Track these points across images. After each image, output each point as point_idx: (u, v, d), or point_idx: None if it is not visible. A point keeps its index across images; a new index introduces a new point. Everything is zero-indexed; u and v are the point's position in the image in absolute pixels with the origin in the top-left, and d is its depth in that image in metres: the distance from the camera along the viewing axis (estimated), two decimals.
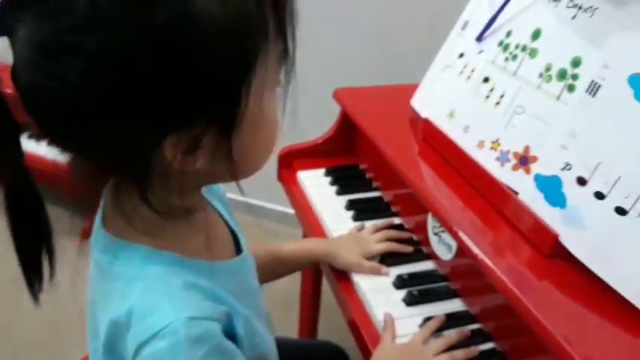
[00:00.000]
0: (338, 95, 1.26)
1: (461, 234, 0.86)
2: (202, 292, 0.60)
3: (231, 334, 0.62)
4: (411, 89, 1.23)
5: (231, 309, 0.62)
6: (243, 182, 0.60)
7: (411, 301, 0.92)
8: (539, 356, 0.78)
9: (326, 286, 1.51)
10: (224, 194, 0.80)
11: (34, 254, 0.60)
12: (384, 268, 0.98)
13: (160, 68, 0.47)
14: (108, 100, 0.48)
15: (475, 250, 0.83)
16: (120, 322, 0.57)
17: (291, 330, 1.65)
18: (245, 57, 0.51)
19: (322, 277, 1.47)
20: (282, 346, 0.83)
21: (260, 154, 0.61)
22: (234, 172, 0.56)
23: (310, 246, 1.04)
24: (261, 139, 0.59)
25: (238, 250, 0.75)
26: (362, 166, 1.29)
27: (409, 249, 1.03)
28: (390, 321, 0.87)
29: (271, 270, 0.99)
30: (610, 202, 0.72)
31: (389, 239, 1.03)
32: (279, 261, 1.01)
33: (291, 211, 2.14)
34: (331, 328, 1.69)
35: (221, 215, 0.76)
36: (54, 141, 0.54)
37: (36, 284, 0.61)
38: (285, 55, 0.56)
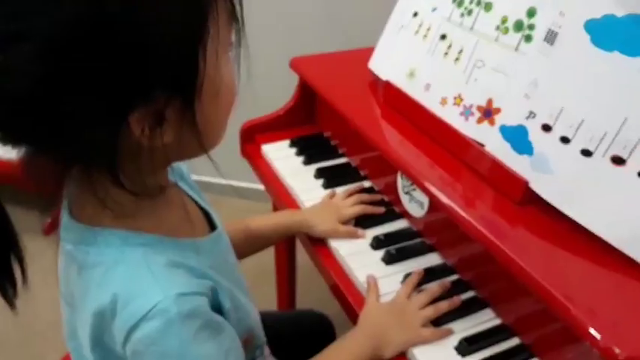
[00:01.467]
0: (295, 64, 1.25)
1: (432, 189, 0.88)
2: (185, 269, 0.60)
3: (218, 309, 0.62)
4: (367, 53, 1.24)
5: (215, 284, 0.63)
6: (206, 162, 0.60)
7: (389, 259, 0.95)
8: (518, 299, 0.82)
9: (299, 256, 1.53)
10: (188, 174, 0.79)
11: (3, 261, 0.57)
12: (360, 231, 1.00)
13: (112, 41, 0.46)
14: (65, 84, 0.46)
15: (448, 202, 0.85)
16: (104, 312, 0.56)
17: (268, 303, 1.66)
18: (196, 16, 0.50)
19: (296, 247, 1.48)
20: (267, 319, 0.84)
21: (223, 118, 0.61)
22: (201, 142, 0.56)
23: (284, 218, 1.04)
24: (221, 103, 0.58)
25: (212, 227, 0.74)
26: (326, 134, 1.29)
27: (381, 209, 1.05)
28: (372, 282, 0.89)
29: (247, 246, 0.99)
30: (575, 146, 0.76)
31: (361, 202, 1.05)
32: (254, 236, 1.01)
33: (256, 186, 2.16)
34: (309, 298, 1.71)
35: (188, 195, 0.75)
36: (9, 139, 0.52)
37: (9, 290, 0.59)
38: (234, 14, 0.55)
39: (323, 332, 1.16)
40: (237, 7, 0.55)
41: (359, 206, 1.03)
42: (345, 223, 1.02)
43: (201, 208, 0.76)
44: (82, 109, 0.48)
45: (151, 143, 0.53)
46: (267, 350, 0.83)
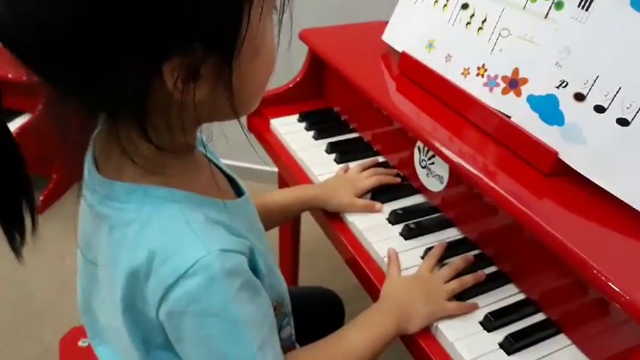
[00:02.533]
0: (305, 36, 1.22)
1: (456, 159, 0.86)
2: (223, 227, 0.57)
3: (254, 270, 0.59)
4: (377, 26, 1.21)
5: (252, 244, 0.60)
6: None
7: (408, 234, 0.92)
8: (543, 273, 0.80)
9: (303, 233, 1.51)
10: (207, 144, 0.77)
11: (15, 207, 0.55)
12: (378, 205, 0.98)
13: None
14: (100, 22, 0.44)
15: (473, 172, 0.83)
16: (138, 271, 0.53)
17: None
18: None
19: (300, 223, 1.46)
20: None
21: (258, 84, 0.58)
22: (234, 104, 0.53)
23: (300, 193, 1.01)
24: (259, 67, 0.56)
25: (237, 194, 0.71)
26: (335, 109, 1.26)
27: (398, 180, 1.03)
28: (394, 255, 0.86)
29: (269, 217, 0.96)
30: (611, 115, 0.73)
31: (381, 183, 1.02)
32: (269, 212, 0.98)
33: (258, 167, 2.12)
34: (310, 275, 1.70)
35: (211, 161, 0.72)
36: (46, 77, 0.49)
37: (17, 239, 0.56)
38: None
39: (333, 309, 1.14)
40: None
41: (375, 177, 1.01)
42: (360, 197, 0.99)
43: (226, 175, 0.73)
44: (116, 50, 0.46)
45: (182, 97, 0.50)
46: (293, 327, 0.80)
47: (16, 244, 0.56)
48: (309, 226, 1.40)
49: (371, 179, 1.00)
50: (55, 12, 0.43)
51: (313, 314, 1.09)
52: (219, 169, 0.73)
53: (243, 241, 0.58)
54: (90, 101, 0.52)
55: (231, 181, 0.73)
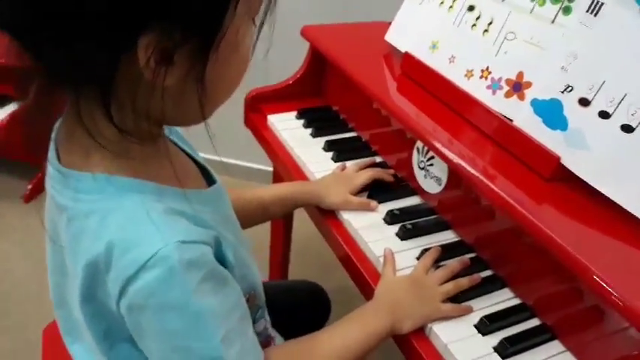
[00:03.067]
0: (307, 32, 1.21)
1: (456, 159, 0.85)
2: (187, 217, 0.56)
3: (221, 261, 0.58)
4: (380, 26, 1.20)
5: (219, 235, 0.58)
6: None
7: (405, 235, 0.91)
8: (539, 278, 0.79)
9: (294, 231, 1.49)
10: (182, 133, 0.75)
11: None
12: (373, 203, 0.97)
13: None
14: None
15: (473, 173, 0.82)
16: (98, 263, 0.52)
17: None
18: None
19: (292, 219, 1.44)
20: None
21: (230, 83, 0.57)
22: (201, 100, 0.52)
23: (294, 189, 1.00)
24: (234, 65, 0.55)
25: (209, 183, 0.70)
26: (334, 108, 1.25)
27: (391, 178, 1.03)
28: (390, 255, 0.85)
29: (253, 216, 0.95)
30: (615, 121, 0.73)
31: (375, 177, 1.01)
32: (263, 206, 0.97)
33: (248, 164, 2.11)
34: (300, 273, 1.68)
35: (181, 149, 0.71)
36: (17, 35, 0.47)
37: None
38: None
39: (318, 302, 1.13)
40: None
41: (369, 172, 1.00)
42: (356, 194, 0.98)
43: (197, 164, 0.71)
44: (94, 12, 0.44)
45: (152, 79, 0.49)
46: (268, 320, 0.79)
47: None
48: (301, 223, 1.39)
49: (365, 174, 0.99)
50: None
51: (298, 307, 1.08)
52: (191, 157, 0.71)
53: (208, 231, 0.56)
54: (57, 66, 0.49)
55: (203, 170, 0.71)
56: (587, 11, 0.78)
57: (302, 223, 1.27)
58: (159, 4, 0.46)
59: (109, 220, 0.52)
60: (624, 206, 0.72)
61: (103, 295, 0.54)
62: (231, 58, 0.54)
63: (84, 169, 0.54)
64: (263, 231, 1.45)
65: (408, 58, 1.06)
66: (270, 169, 1.43)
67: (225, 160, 2.06)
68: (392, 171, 1.05)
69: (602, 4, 0.76)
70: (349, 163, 1.07)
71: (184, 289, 0.51)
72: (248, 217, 0.94)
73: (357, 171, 1.03)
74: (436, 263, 0.85)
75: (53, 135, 0.59)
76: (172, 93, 0.52)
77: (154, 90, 0.50)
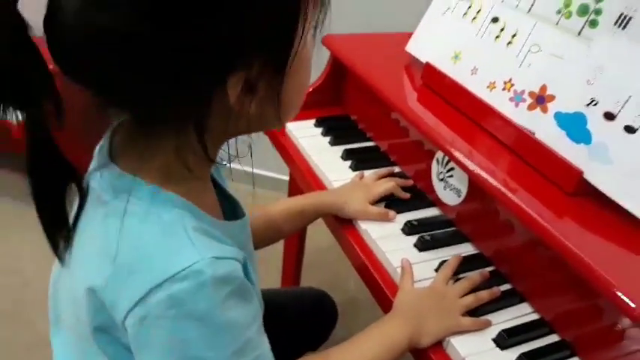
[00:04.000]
0: (328, 41, 1.21)
1: (478, 170, 0.84)
2: (218, 240, 0.56)
3: (247, 277, 0.58)
4: (402, 37, 1.20)
5: (247, 257, 0.59)
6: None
7: (423, 246, 0.90)
8: (559, 293, 0.78)
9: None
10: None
11: (58, 208, 0.55)
12: (392, 213, 0.96)
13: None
14: (175, 33, 0.46)
15: (495, 184, 0.81)
16: (123, 266, 0.52)
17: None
18: None
19: (306, 230, 1.44)
20: (267, 295, 0.78)
21: (300, 94, 0.61)
22: (280, 115, 0.56)
23: (313, 200, 0.99)
24: (301, 79, 0.59)
25: (233, 215, 0.69)
26: (352, 117, 1.25)
27: (408, 195, 1.01)
28: (408, 266, 0.84)
29: (272, 232, 0.96)
30: None
31: (395, 188, 1.00)
32: (279, 220, 0.96)
33: (263, 172, 2.11)
34: (312, 281, 1.67)
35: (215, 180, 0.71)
36: (107, 96, 0.51)
37: (61, 244, 0.56)
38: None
39: (324, 310, 1.12)
40: None
41: (389, 183, 0.99)
42: (375, 203, 0.97)
43: (224, 194, 0.72)
44: (186, 63, 0.48)
45: (240, 110, 0.53)
46: None
47: (59, 249, 0.56)
48: (314, 234, 1.39)
49: (385, 185, 0.99)
50: (126, 25, 0.46)
51: (305, 314, 1.07)
52: (221, 190, 0.71)
53: (238, 250, 0.58)
54: (148, 115, 0.53)
55: (232, 202, 0.72)
56: (615, 24, 0.77)
57: (315, 233, 1.27)
58: (241, 48, 0.49)
59: (146, 225, 0.53)
60: None
61: (111, 296, 0.53)
62: (300, 70, 0.57)
63: (137, 174, 0.55)
64: (276, 244, 1.46)
65: (429, 68, 1.06)
66: (287, 177, 1.43)
67: (243, 168, 2.07)
68: (411, 181, 1.04)
69: (631, 17, 0.75)
70: (367, 172, 1.06)
71: (210, 302, 0.51)
72: (268, 236, 0.95)
73: (376, 180, 1.02)
74: (455, 275, 0.85)
75: (107, 135, 0.60)
76: (256, 112, 0.54)
77: (241, 116, 0.54)
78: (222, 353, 0.53)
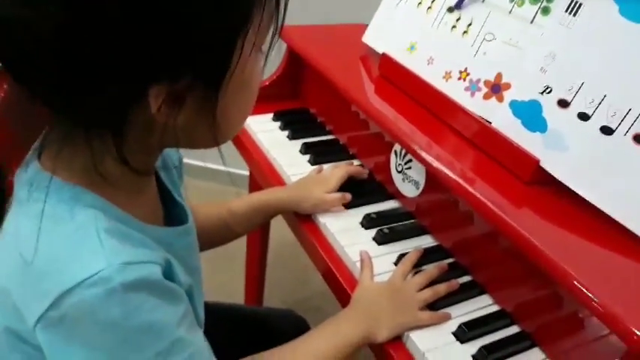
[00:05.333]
0: (284, 33, 1.17)
1: (434, 162, 0.83)
2: (135, 243, 0.54)
3: (171, 280, 0.55)
4: (359, 28, 1.18)
5: (170, 259, 0.56)
6: None
7: (382, 239, 0.89)
8: (519, 284, 0.78)
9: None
10: (180, 161, 0.74)
11: None
12: (347, 195, 0.94)
13: (151, 7, 0.44)
14: (88, 39, 0.44)
15: (451, 176, 0.80)
16: (32, 268, 0.49)
17: (232, 290, 1.60)
18: (243, 6, 0.48)
19: (269, 232, 1.42)
20: (240, 315, 0.76)
21: (240, 117, 0.59)
22: (215, 134, 0.53)
23: (270, 197, 0.96)
24: (243, 101, 0.57)
25: (174, 221, 0.67)
26: (312, 110, 1.23)
27: (365, 174, 1.01)
28: (367, 258, 0.83)
29: (228, 230, 0.93)
30: (595, 123, 0.72)
31: (349, 174, 0.99)
32: (237, 219, 0.93)
33: (224, 168, 2.08)
34: (278, 275, 1.66)
35: (161, 183, 0.69)
36: (23, 82, 0.49)
37: None
38: (276, 14, 0.53)
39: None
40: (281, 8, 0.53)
41: (342, 169, 0.98)
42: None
43: (172, 200, 0.69)
44: (102, 68, 0.46)
45: (164, 122, 0.50)
46: None
47: None
48: (278, 227, 1.37)
49: (339, 171, 0.97)
50: (43, 18, 0.43)
51: (274, 340, 1.04)
52: (167, 191, 0.69)
53: (158, 252, 0.55)
54: (66, 114, 0.51)
55: (180, 208, 0.69)
56: (566, 11, 0.76)
57: (281, 227, 1.25)
58: (166, 61, 0.47)
59: (59, 228, 0.51)
60: (602, 208, 0.70)
61: (23, 299, 0.51)
62: (242, 91, 0.54)
63: (58, 173, 0.53)
64: (238, 241, 1.43)
65: (385, 59, 1.04)
66: (247, 173, 1.41)
67: (202, 164, 2.03)
68: (366, 172, 1.03)
69: (581, 4, 0.75)
70: (326, 166, 1.04)
71: (124, 308, 0.49)
72: (222, 233, 0.93)
73: (333, 169, 1.00)
74: (415, 267, 0.83)
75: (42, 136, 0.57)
76: (185, 128, 0.52)
77: (167, 129, 0.51)
78: (144, 355, 0.51)
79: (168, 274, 0.55)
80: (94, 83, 0.46)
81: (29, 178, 0.54)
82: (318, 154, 1.08)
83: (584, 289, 0.62)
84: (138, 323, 0.50)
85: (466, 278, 0.84)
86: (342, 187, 0.96)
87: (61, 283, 0.47)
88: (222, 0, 0.47)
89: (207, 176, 2.02)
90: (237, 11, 0.48)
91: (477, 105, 0.86)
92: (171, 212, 0.67)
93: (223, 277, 1.68)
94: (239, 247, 1.39)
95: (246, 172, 1.42)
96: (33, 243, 0.49)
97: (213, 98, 0.50)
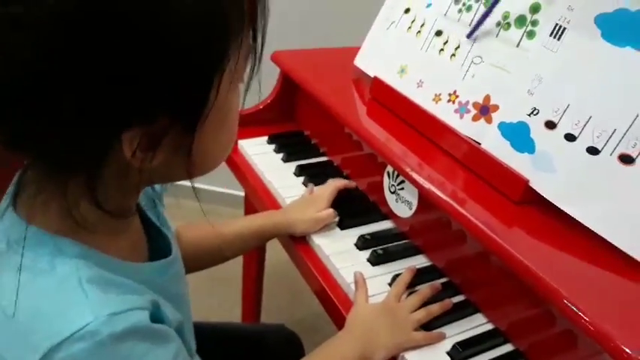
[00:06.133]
0: (277, 57, 1.21)
1: (425, 184, 0.84)
2: (121, 289, 0.52)
3: (160, 322, 0.55)
4: (351, 52, 1.20)
5: (157, 299, 0.56)
6: None
7: (376, 260, 0.90)
8: (512, 303, 0.79)
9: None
10: (160, 191, 0.73)
11: None
12: (331, 210, 0.96)
13: (121, 46, 0.42)
14: (57, 82, 0.42)
15: (442, 197, 0.81)
16: (18, 324, 0.48)
17: (228, 309, 1.59)
18: (218, 45, 0.46)
19: (265, 253, 1.43)
20: (232, 333, 0.74)
21: (220, 152, 0.57)
22: (190, 171, 0.52)
23: (264, 221, 0.97)
24: (222, 136, 0.55)
25: (159, 251, 0.66)
26: (305, 132, 1.25)
27: (354, 185, 1.03)
28: (361, 280, 0.84)
29: (218, 254, 0.93)
30: (581, 143, 0.73)
31: (338, 188, 1.00)
32: (229, 242, 0.93)
33: (218, 189, 2.09)
34: (274, 296, 1.66)
35: (144, 214, 0.68)
36: None
37: None
38: (254, 49, 0.51)
39: (290, 352, 1.06)
40: (259, 41, 0.51)
41: (330, 185, 0.99)
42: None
43: (155, 230, 0.68)
44: (72, 113, 0.43)
45: (139, 165, 0.48)
46: None
47: None
48: (274, 252, 1.38)
49: (328, 188, 0.98)
50: (12, 62, 0.41)
51: (271, 354, 1.04)
52: (149, 221, 0.68)
53: (144, 295, 0.54)
54: (36, 156, 0.50)
55: (165, 239, 0.67)
56: (551, 35, 0.78)
57: (275, 251, 1.26)
58: (139, 106, 0.45)
59: (40, 281, 0.49)
60: (590, 227, 0.71)
61: (12, 356, 0.49)
62: (221, 127, 0.53)
63: (38, 224, 0.51)
64: (235, 260, 1.44)
65: (376, 82, 1.06)
66: (242, 193, 1.42)
67: (195, 185, 2.04)
68: (354, 184, 1.04)
69: (565, 29, 0.77)
70: (317, 188, 1.05)
71: (115, 359, 0.48)
72: (214, 256, 0.93)
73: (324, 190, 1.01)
74: (409, 287, 0.84)
75: (15, 179, 0.56)
76: (160, 168, 0.51)
77: (142, 172, 0.50)
78: None
79: (157, 315, 0.54)
80: (63, 129, 0.44)
81: (5, 229, 0.52)
82: (312, 175, 1.09)
83: (574, 308, 0.63)
84: None
85: (460, 297, 0.85)
86: (337, 208, 0.98)
87: (48, 338, 0.46)
88: (196, 39, 0.44)
89: (201, 196, 2.03)
90: (213, 51, 0.46)
91: (466, 127, 0.88)
92: (157, 242, 0.66)
93: (220, 297, 1.68)
94: (235, 267, 1.40)
95: (240, 193, 1.43)
96: (18, 299, 0.48)
97: (190, 138, 0.49)
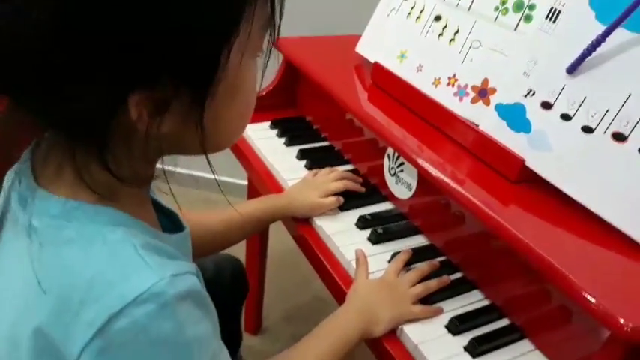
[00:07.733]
0: (280, 44, 1.22)
1: (425, 165, 0.86)
2: (169, 255, 0.53)
3: None
4: (352, 39, 1.22)
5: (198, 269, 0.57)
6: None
7: (376, 239, 0.92)
8: (508, 279, 0.81)
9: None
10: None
11: None
12: (340, 198, 0.98)
13: (129, 10, 0.42)
14: (67, 44, 0.42)
15: (441, 178, 0.83)
16: (71, 298, 0.47)
17: None
18: (229, 14, 0.46)
19: (268, 231, 1.45)
20: None
21: (233, 126, 0.56)
22: (203, 142, 0.51)
23: (266, 205, 0.99)
24: (236, 109, 0.54)
25: (173, 230, 0.66)
26: (307, 118, 1.27)
27: (363, 189, 1.04)
28: (362, 257, 0.86)
29: (227, 237, 0.95)
30: (576, 123, 0.75)
31: (347, 188, 1.02)
32: (236, 225, 0.95)
33: (220, 178, 2.10)
34: (277, 281, 1.68)
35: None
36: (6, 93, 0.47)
37: None
38: (271, 23, 0.51)
39: (236, 278, 1.10)
40: (277, 13, 0.51)
41: (341, 182, 1.01)
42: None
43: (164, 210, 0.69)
44: (79, 75, 0.44)
45: (146, 130, 0.48)
46: None
47: None
48: (276, 237, 1.40)
49: (337, 183, 1.00)
50: (25, 24, 0.42)
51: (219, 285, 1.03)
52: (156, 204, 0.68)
53: (190, 263, 0.55)
54: (46, 120, 0.50)
55: (170, 216, 0.69)
56: (546, 18, 0.81)
57: (277, 236, 1.28)
58: (143, 68, 0.45)
59: (91, 251, 0.49)
60: (586, 205, 0.74)
61: (60, 332, 0.48)
62: (233, 100, 0.52)
63: (72, 197, 0.51)
64: (238, 246, 1.46)
65: (377, 68, 1.08)
66: (245, 182, 1.44)
67: (198, 174, 2.06)
68: (361, 179, 1.06)
69: (560, 11, 0.79)
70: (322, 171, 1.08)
71: (176, 322, 0.48)
72: (222, 239, 0.95)
73: (329, 174, 1.03)
74: (407, 266, 0.87)
75: (29, 151, 0.56)
76: (170, 138, 0.50)
77: (150, 139, 0.49)
78: None
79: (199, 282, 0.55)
80: (72, 89, 0.45)
81: (39, 210, 0.51)
82: (314, 159, 1.12)
83: (570, 282, 0.65)
84: (187, 337, 0.49)
85: (458, 275, 0.88)
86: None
87: (108, 305, 0.46)
88: (206, 6, 0.44)
89: (203, 185, 2.06)
90: (222, 21, 0.46)
91: (465, 109, 0.90)
92: (162, 221, 0.66)
93: None
94: (238, 252, 1.42)
95: (244, 182, 1.45)
96: (63, 273, 0.48)
97: (200, 106, 0.48)
